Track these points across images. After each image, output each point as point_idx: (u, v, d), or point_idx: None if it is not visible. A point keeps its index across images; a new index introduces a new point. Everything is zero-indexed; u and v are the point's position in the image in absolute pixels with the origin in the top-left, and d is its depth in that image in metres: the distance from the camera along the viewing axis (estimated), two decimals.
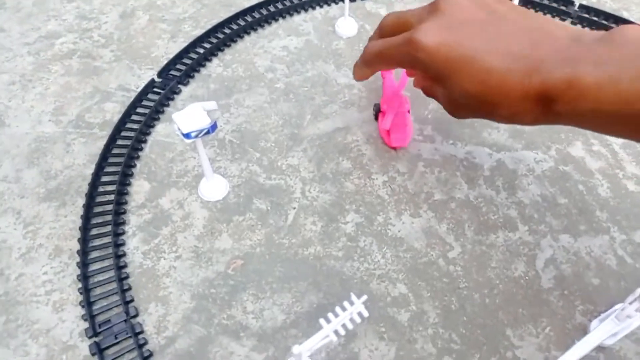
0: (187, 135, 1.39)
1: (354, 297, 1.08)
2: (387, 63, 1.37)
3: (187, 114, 1.40)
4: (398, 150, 1.79)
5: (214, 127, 1.41)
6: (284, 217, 1.62)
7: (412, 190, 1.68)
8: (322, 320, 1.05)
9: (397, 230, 1.59)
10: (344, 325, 1.07)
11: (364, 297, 1.06)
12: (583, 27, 2.19)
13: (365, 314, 1.07)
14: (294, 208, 1.64)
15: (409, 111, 1.80)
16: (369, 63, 1.44)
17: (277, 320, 1.40)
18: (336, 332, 1.06)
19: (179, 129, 1.39)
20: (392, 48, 1.32)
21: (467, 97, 1.19)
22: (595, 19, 2.19)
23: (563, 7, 2.24)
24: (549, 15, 2.24)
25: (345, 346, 1.35)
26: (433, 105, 1.93)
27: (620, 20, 2.17)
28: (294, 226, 1.59)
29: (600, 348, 1.36)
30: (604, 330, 1.24)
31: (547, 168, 1.74)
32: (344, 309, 1.07)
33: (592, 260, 1.52)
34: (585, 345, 1.22)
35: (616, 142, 1.81)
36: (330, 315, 1.07)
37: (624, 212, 1.63)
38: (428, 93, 1.43)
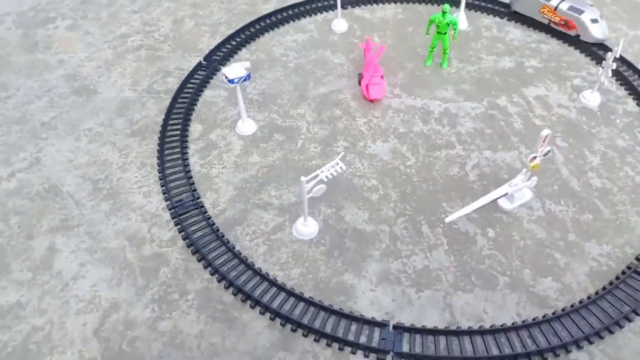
0: (231, 81, 2.14)
1: (336, 158, 1.80)
2: None
3: (231, 67, 2.17)
4: (375, 103, 2.53)
5: (249, 76, 2.17)
6: (295, 144, 2.35)
7: (384, 127, 2.42)
8: (317, 171, 1.77)
9: (372, 150, 2.31)
10: (331, 174, 1.78)
11: (341, 154, 1.78)
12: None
13: (344, 167, 1.79)
14: (302, 139, 2.38)
15: (382, 76, 2.55)
16: None
17: (291, 200, 2.12)
18: (326, 177, 1.77)
19: (226, 77, 2.15)
20: None
21: None
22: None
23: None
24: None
25: (335, 213, 2.06)
26: (401, 75, 2.68)
27: None
28: (302, 149, 2.33)
29: (503, 211, 2.05)
30: (499, 191, 1.94)
31: (479, 112, 2.47)
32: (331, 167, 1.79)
33: (504, 165, 2.23)
34: (484, 199, 1.92)
35: (530, 95, 2.54)
36: (323, 168, 1.79)
37: (530, 137, 2.34)
38: None
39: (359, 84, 2.63)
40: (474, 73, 2.69)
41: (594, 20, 2.72)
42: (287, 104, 2.57)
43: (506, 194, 1.98)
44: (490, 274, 1.87)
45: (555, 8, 2.76)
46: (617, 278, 1.83)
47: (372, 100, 2.55)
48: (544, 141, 1.85)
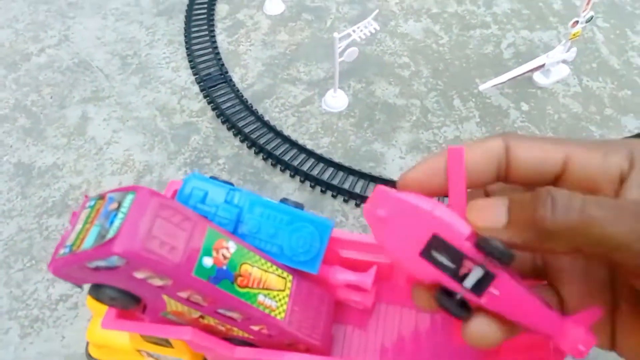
0: None
1: (369, 18, 1.69)
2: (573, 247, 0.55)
3: None
4: None
5: None
6: (324, 23, 2.24)
7: (416, 7, 2.28)
8: (349, 29, 1.68)
9: (404, 29, 2.19)
10: (364, 34, 1.68)
11: (376, 11, 1.68)
12: None
13: (377, 27, 1.69)
14: (331, 18, 2.26)
15: None
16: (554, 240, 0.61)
17: (320, 76, 2.04)
18: (360, 38, 1.68)
19: None
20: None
21: None
22: None
23: None
24: None
25: (365, 87, 1.99)
26: None
27: None
28: (331, 28, 2.22)
29: (538, 87, 1.95)
30: (536, 61, 1.83)
31: None
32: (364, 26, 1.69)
33: (541, 43, 2.10)
34: (520, 69, 1.81)
35: None
36: (354, 27, 1.69)
37: (569, 18, 2.17)
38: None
39: None
40: None
41: None
42: None
43: (543, 65, 1.86)
44: None
45: None
46: None
47: None
48: (587, 3, 1.71)
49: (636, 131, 1.81)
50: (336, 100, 1.92)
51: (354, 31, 1.68)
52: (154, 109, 1.97)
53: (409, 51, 2.10)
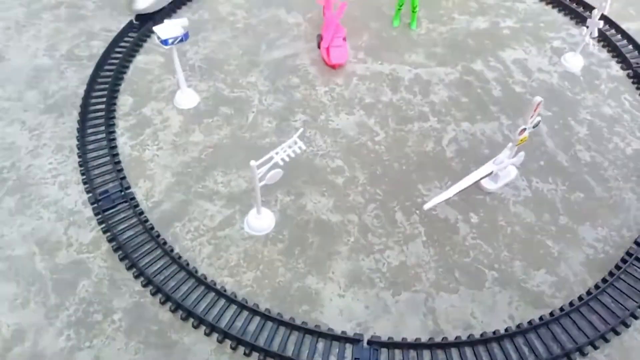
0: (164, 42, 1.67)
1: (295, 136, 1.38)
2: None
3: (165, 26, 1.68)
4: (337, 69, 2.10)
5: (186, 35, 1.70)
6: (245, 118, 1.91)
7: (348, 96, 2.01)
8: (271, 152, 1.36)
9: (336, 124, 1.91)
10: (288, 155, 1.37)
11: (300, 130, 1.37)
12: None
13: (303, 147, 1.38)
14: (253, 112, 1.94)
15: (344, 38, 2.12)
16: None
17: (241, 187, 1.70)
18: (282, 160, 1.36)
19: (158, 37, 1.67)
20: None
21: None
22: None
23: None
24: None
25: (294, 201, 1.67)
26: (365, 37, 2.26)
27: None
28: (253, 124, 1.89)
29: (486, 193, 1.71)
30: (482, 170, 1.59)
31: (454, 78, 2.10)
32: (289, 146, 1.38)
33: (484, 137, 1.88)
34: (466, 180, 1.57)
35: (507, 58, 2.18)
36: (278, 149, 1.37)
37: (510, 106, 2.00)
38: None
39: (318, 47, 2.18)
40: (446, 34, 2.30)
41: None
42: (235, 71, 2.11)
43: (491, 173, 1.63)
44: (476, 268, 1.54)
45: None
46: (618, 267, 1.53)
47: (333, 66, 2.12)
48: (535, 110, 1.50)
49: (596, 244, 1.60)
50: (261, 221, 1.58)
51: (277, 153, 1.36)
52: (32, 243, 1.54)
53: (342, 151, 1.82)
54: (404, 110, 1.97)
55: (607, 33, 2.26)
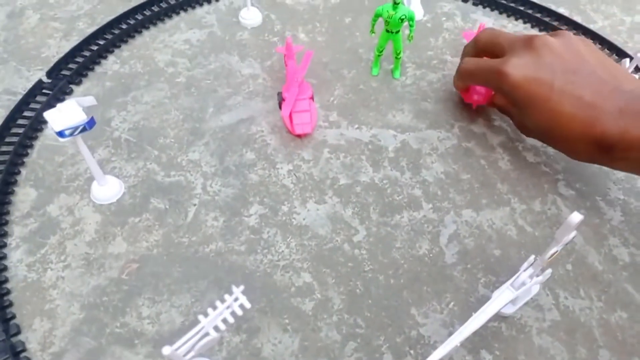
0: (60, 134, 1.26)
1: (233, 288, 0.99)
2: (478, 82, 1.63)
3: (61, 110, 1.27)
4: (303, 138, 1.72)
5: (90, 123, 1.29)
6: (184, 215, 1.51)
7: (318, 177, 1.62)
8: (200, 316, 0.96)
9: (302, 219, 1.52)
10: (224, 320, 0.98)
11: (241, 287, 0.98)
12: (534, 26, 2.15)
13: (247, 305, 0.99)
14: (195, 205, 1.54)
15: (312, 97, 1.74)
16: (463, 78, 1.68)
17: (174, 323, 1.30)
18: (216, 328, 0.97)
19: (51, 127, 1.26)
20: (483, 72, 1.55)
21: (537, 127, 1.49)
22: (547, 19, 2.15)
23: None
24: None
25: (247, 342, 1.27)
26: (338, 91, 1.88)
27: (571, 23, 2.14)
28: (194, 223, 1.50)
29: (502, 318, 1.34)
30: (500, 299, 1.22)
31: (450, 145, 1.73)
32: (223, 301, 0.98)
33: (493, 232, 1.51)
34: (482, 315, 1.19)
35: None
36: (209, 310, 0.98)
37: (523, 183, 1.63)
38: (503, 111, 1.69)
39: (280, 107, 1.80)
40: (437, 84, 1.93)
41: None
42: (172, 145, 1.71)
43: (510, 301, 1.25)
44: None
45: None
46: None
47: (298, 135, 1.74)
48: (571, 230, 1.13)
49: None
50: None
51: (208, 320, 0.96)
52: None
53: (310, 260, 1.43)
54: (389, 194, 1.59)
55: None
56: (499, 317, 1.33)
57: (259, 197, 1.56)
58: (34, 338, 1.27)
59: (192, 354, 0.97)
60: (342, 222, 1.51)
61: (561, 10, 2.21)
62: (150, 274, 1.39)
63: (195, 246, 1.45)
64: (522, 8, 2.19)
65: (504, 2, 2.20)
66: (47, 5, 2.17)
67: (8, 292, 1.33)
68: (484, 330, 1.30)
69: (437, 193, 1.59)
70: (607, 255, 1.48)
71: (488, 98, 1.73)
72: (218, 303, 0.98)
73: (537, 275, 1.26)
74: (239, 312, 0.99)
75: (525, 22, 2.16)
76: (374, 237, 1.48)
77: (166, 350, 0.89)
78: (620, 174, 1.67)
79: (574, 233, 1.17)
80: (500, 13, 2.20)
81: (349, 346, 1.28)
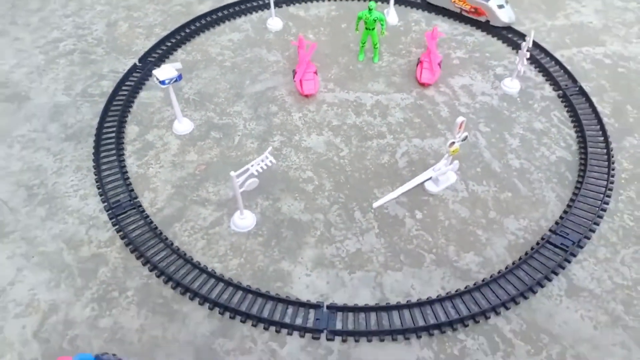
0: (162, 82, 2.24)
1: (266, 152, 1.92)
2: None
3: (162, 69, 2.26)
4: (309, 98, 2.67)
5: (180, 76, 2.27)
6: (232, 141, 2.46)
7: (318, 120, 2.56)
8: (247, 165, 1.89)
9: (307, 144, 2.45)
10: (260, 167, 1.91)
11: (270, 148, 1.91)
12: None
13: (273, 160, 1.92)
14: (239, 135, 2.49)
15: (315, 72, 2.70)
16: None
17: (228, 195, 2.23)
18: (257, 171, 1.90)
19: (157, 78, 2.24)
20: None
21: None
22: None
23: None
24: None
25: (272, 205, 2.19)
26: (335, 70, 2.84)
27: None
28: (239, 145, 2.44)
29: (430, 194, 2.23)
30: (423, 175, 2.12)
31: (409, 103, 2.66)
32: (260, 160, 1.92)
33: (432, 151, 2.42)
34: (409, 184, 2.09)
35: (456, 84, 2.75)
36: (253, 162, 1.91)
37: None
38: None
39: (294, 78, 2.77)
40: (404, 66, 2.88)
41: (500, 6, 3.02)
42: (223, 102, 2.68)
43: (430, 178, 2.15)
44: (417, 252, 2.04)
45: None
46: (532, 249, 2.04)
47: (306, 96, 2.69)
48: (459, 127, 2.04)
49: (517, 232, 2.10)
50: (244, 221, 2.10)
51: (252, 165, 1.90)
52: (60, 241, 2.06)
53: (312, 165, 2.35)
54: (365, 130, 2.52)
55: (542, 60, 2.84)
56: (428, 194, 2.23)
57: (279, 131, 2.51)
58: (145, 201, 2.21)
59: (242, 188, 1.90)
60: (333, 145, 2.44)
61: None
62: (212, 172, 2.33)
63: (240, 157, 2.39)
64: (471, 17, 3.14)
65: (457, 13, 3.16)
66: (132, 18, 3.22)
67: (128, 178, 2.28)
68: (418, 200, 2.19)
69: (397, 130, 2.52)
70: (505, 164, 2.37)
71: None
72: (256, 159, 1.91)
73: (451, 164, 2.16)
74: (269, 164, 1.91)
75: (471, 27, 3.11)
76: (353, 154, 2.41)
77: (233, 173, 1.82)
78: (522, 118, 2.57)
79: (465, 133, 2.08)
80: (454, 20, 3.16)
81: (334, 207, 2.19)
